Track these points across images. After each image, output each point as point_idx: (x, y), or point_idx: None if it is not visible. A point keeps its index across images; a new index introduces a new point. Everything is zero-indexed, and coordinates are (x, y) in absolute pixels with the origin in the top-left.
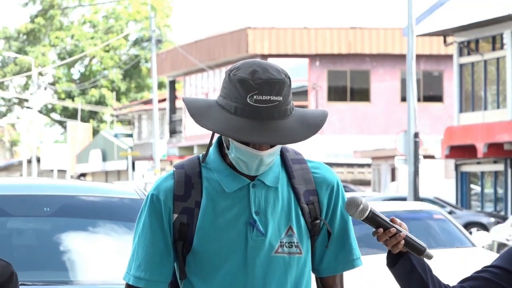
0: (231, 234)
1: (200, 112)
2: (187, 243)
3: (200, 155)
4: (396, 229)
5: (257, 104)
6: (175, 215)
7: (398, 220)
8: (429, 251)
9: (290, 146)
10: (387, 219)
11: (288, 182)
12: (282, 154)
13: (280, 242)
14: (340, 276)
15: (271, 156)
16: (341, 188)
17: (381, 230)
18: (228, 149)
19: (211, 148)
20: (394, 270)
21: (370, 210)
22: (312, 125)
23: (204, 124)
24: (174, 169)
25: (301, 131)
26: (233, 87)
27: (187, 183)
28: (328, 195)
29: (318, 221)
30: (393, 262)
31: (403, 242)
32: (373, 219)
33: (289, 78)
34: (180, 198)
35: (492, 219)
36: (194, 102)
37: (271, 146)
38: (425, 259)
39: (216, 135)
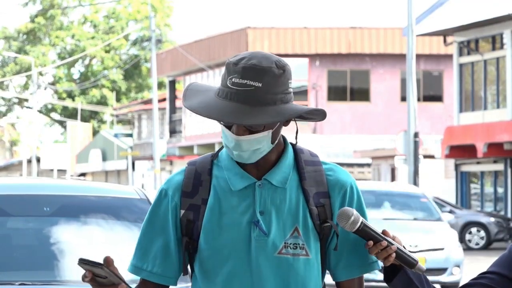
0: (235, 233)
1: (192, 93)
2: (193, 239)
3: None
4: (388, 241)
5: (233, 86)
6: (182, 211)
7: (391, 233)
8: (421, 264)
9: (304, 147)
10: (379, 232)
11: (298, 184)
12: (296, 155)
13: (285, 243)
14: (359, 280)
15: (251, 143)
16: (356, 190)
17: (371, 242)
18: None
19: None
20: (392, 285)
21: (362, 222)
22: (281, 114)
23: (185, 104)
24: (187, 165)
25: (263, 116)
26: (224, 72)
27: (196, 180)
28: (341, 198)
29: (328, 224)
30: (390, 276)
31: (394, 255)
32: (364, 231)
33: (283, 69)
34: (187, 194)
35: (492, 219)
36: (196, 85)
37: (251, 132)
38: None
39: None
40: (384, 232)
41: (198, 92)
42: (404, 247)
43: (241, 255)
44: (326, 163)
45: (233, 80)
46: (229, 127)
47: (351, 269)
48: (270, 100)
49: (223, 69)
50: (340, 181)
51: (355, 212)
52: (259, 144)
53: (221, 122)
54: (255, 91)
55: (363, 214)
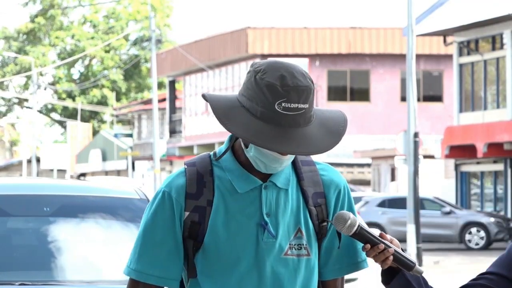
0: (242, 235)
1: (225, 114)
2: (198, 241)
3: (212, 152)
4: (385, 244)
5: (285, 112)
6: (186, 213)
7: (388, 236)
8: (419, 266)
9: None
10: (376, 235)
11: (297, 184)
12: None
13: (290, 244)
14: (341, 279)
15: (291, 159)
16: (348, 191)
17: (368, 246)
18: (247, 147)
19: (223, 146)
20: (390, 287)
21: (358, 226)
22: (335, 133)
23: (231, 129)
24: (186, 167)
25: (326, 140)
26: (259, 91)
27: (199, 181)
28: (335, 198)
29: (325, 223)
30: (388, 279)
31: (391, 257)
32: (361, 235)
33: (312, 82)
34: (192, 196)
35: (492, 219)
36: (217, 101)
37: None
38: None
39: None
40: (381, 235)
41: (227, 111)
42: (402, 249)
43: (249, 257)
44: (318, 163)
45: (283, 105)
46: None
47: (340, 268)
48: (312, 117)
49: (223, 69)
50: (334, 181)
51: (351, 215)
52: (292, 158)
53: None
54: (304, 113)
55: (353, 214)
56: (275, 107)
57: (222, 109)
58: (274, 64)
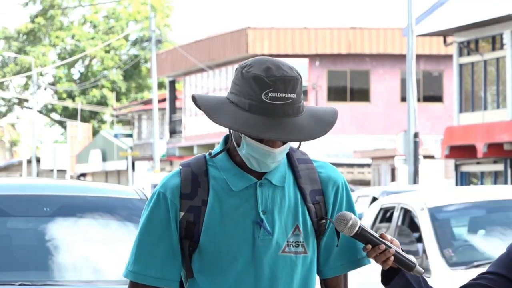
0: (238, 233)
1: (212, 108)
2: (194, 241)
3: (207, 153)
4: (386, 245)
5: (272, 101)
6: (182, 213)
7: (389, 236)
8: (419, 267)
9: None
10: (377, 235)
11: (294, 182)
12: (288, 154)
13: (287, 241)
14: (344, 276)
15: (283, 153)
16: (347, 187)
17: (369, 246)
18: (239, 146)
19: (218, 147)
20: (390, 287)
21: (360, 226)
22: (325, 122)
23: (219, 121)
24: (181, 167)
25: (316, 128)
26: (246, 84)
27: (194, 181)
28: (333, 194)
29: (324, 220)
30: (388, 279)
31: (392, 258)
32: (362, 235)
33: (300, 75)
34: (187, 196)
35: None
36: (205, 99)
37: (284, 143)
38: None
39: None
40: (382, 235)
41: (215, 106)
42: (402, 250)
43: (245, 255)
44: (316, 161)
45: (270, 94)
46: (260, 140)
47: (341, 266)
48: (302, 109)
49: (223, 69)
50: (332, 178)
51: (353, 216)
52: (285, 153)
53: (252, 136)
54: (293, 103)
55: (352, 210)
56: (262, 97)
57: (209, 105)
58: (259, 58)
